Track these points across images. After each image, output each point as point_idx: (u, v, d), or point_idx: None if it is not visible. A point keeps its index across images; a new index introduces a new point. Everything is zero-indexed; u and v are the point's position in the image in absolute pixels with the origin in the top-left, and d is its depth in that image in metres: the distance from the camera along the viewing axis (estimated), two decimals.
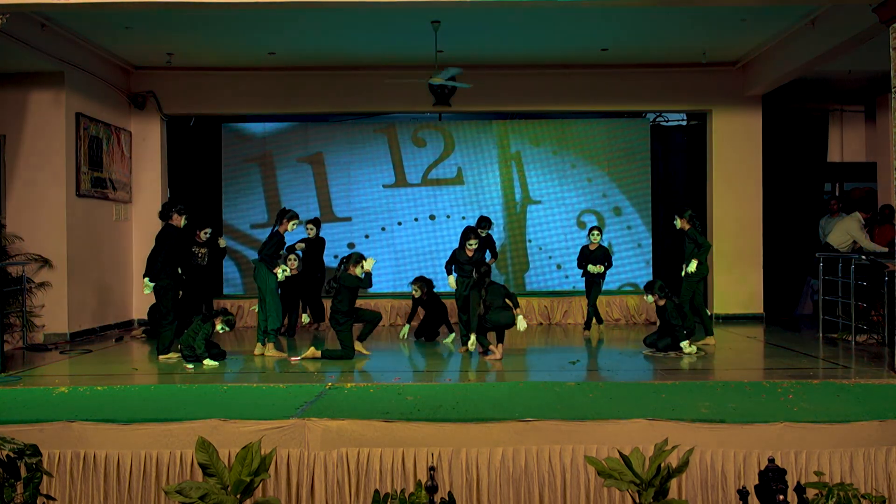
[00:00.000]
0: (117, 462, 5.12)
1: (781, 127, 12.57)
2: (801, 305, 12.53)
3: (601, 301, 11.12)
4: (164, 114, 11.91)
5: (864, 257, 9.06)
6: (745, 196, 11.87)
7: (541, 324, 11.73)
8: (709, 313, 10.15)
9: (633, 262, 12.67)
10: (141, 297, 11.23)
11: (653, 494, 3.89)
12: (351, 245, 12.47)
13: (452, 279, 9.14)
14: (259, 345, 8.72)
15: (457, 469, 5.03)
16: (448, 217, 12.58)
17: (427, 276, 10.24)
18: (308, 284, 10.78)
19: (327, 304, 9.97)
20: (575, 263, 10.92)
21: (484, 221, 9.83)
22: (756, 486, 4.06)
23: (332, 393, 6.10)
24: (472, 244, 8.97)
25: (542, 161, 12.69)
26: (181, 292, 9.16)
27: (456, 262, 9.15)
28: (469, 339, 8.88)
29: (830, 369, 7.62)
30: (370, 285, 8.56)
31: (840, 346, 8.94)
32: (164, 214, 8.72)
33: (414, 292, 9.97)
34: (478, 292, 8.30)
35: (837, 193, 12.97)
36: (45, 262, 9.80)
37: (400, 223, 12.56)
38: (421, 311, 10.21)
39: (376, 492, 4.33)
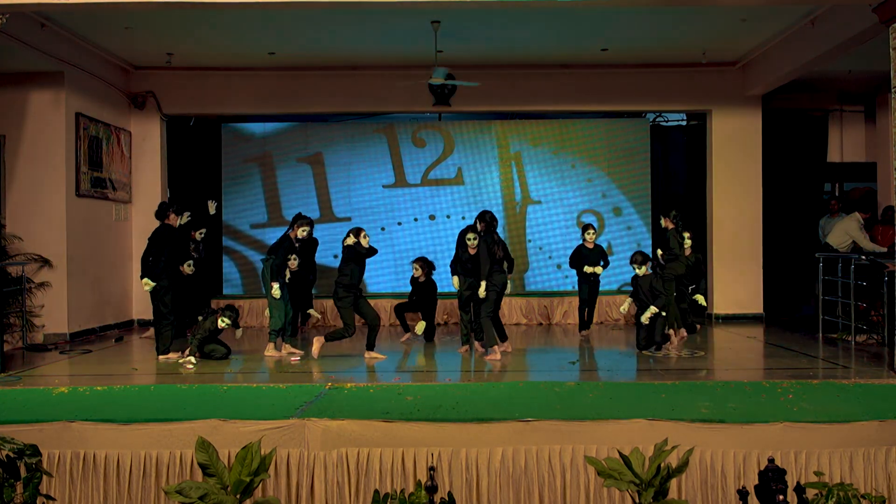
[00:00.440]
0: (117, 462, 5.12)
1: (781, 127, 12.57)
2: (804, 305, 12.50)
3: (600, 301, 11.11)
4: (164, 114, 11.91)
5: (863, 257, 9.06)
6: (745, 196, 11.87)
7: (540, 324, 11.73)
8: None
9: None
10: (141, 298, 11.23)
11: (653, 494, 3.89)
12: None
13: (457, 280, 8.92)
14: (271, 344, 8.77)
15: (456, 469, 5.03)
16: (448, 217, 12.58)
17: (436, 282, 10.14)
18: (299, 285, 10.72)
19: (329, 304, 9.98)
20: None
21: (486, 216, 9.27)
22: (756, 486, 4.06)
23: (332, 393, 6.10)
24: (472, 239, 8.80)
25: (542, 161, 12.69)
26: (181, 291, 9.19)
27: (459, 261, 9.01)
28: (468, 338, 8.89)
29: (830, 369, 7.62)
30: (376, 251, 8.61)
31: (840, 346, 8.94)
32: (161, 214, 8.72)
33: (414, 271, 9.92)
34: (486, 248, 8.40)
35: (837, 193, 12.97)
36: (45, 262, 9.80)
37: (400, 223, 12.56)
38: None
39: (376, 492, 4.33)
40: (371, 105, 12.10)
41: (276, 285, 8.57)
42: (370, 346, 8.51)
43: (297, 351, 8.68)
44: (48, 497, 4.56)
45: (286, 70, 11.77)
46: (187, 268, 9.55)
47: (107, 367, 8.31)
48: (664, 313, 8.50)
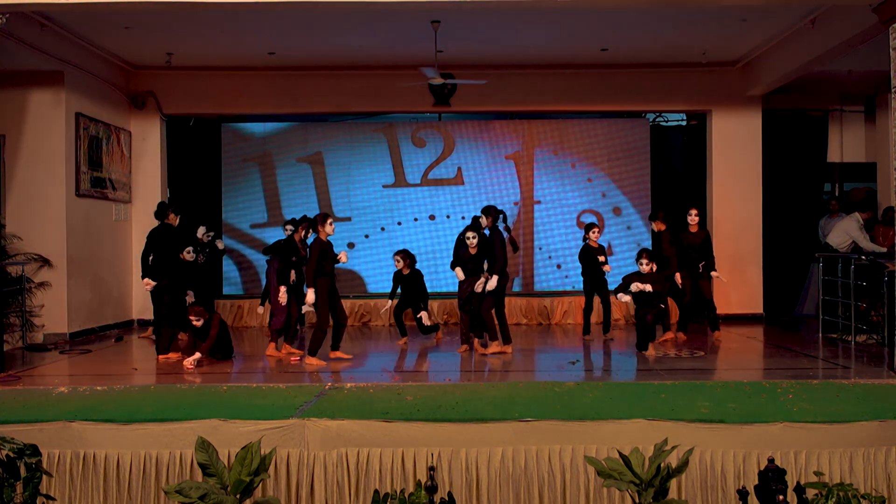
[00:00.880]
0: (117, 462, 5.12)
1: (781, 127, 12.56)
2: (802, 305, 12.49)
3: (596, 301, 11.08)
4: (164, 114, 11.91)
5: (863, 257, 9.06)
6: (745, 196, 11.87)
7: (540, 324, 11.73)
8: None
9: (632, 262, 12.59)
10: (141, 298, 11.24)
11: (652, 494, 3.89)
12: (351, 245, 12.46)
13: (460, 270, 8.74)
14: (272, 344, 8.78)
15: (456, 469, 5.03)
16: (448, 217, 12.57)
17: (422, 271, 9.95)
18: (298, 286, 10.70)
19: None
20: (576, 263, 10.79)
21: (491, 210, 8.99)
22: (756, 486, 4.06)
23: (332, 393, 6.10)
24: (471, 238, 8.77)
25: (542, 161, 12.68)
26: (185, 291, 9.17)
27: (460, 262, 8.90)
28: (468, 337, 8.89)
29: (830, 369, 7.62)
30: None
31: (840, 346, 8.94)
32: (161, 213, 8.72)
33: (396, 264, 9.71)
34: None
35: (837, 193, 12.97)
36: (45, 262, 9.80)
37: (400, 223, 12.55)
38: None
39: (376, 492, 4.33)
40: (371, 105, 12.10)
41: (283, 289, 8.54)
42: (335, 347, 8.36)
43: (296, 351, 8.67)
44: (48, 497, 4.57)
45: (286, 70, 11.77)
46: (187, 254, 9.37)
47: (107, 367, 8.31)
48: (663, 305, 8.53)
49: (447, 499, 4.16)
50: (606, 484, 4.01)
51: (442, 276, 11.84)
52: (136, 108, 11.73)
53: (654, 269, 8.69)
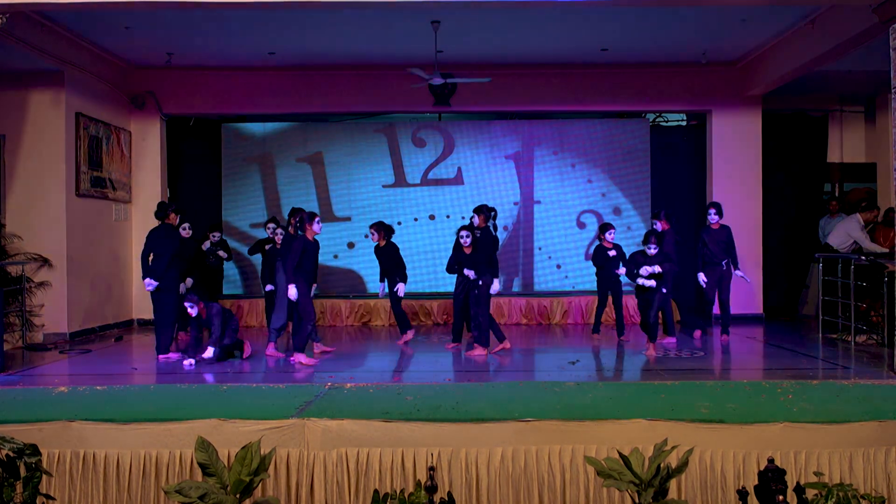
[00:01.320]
0: (117, 462, 5.11)
1: (781, 127, 12.56)
2: (802, 306, 12.50)
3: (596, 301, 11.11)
4: (164, 113, 11.91)
5: (863, 258, 9.06)
6: (745, 196, 11.86)
7: (540, 324, 11.73)
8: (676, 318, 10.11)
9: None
10: (141, 297, 11.23)
11: (652, 494, 3.89)
12: (351, 245, 12.46)
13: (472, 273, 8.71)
14: (271, 344, 8.80)
15: (456, 469, 5.03)
16: (448, 217, 12.57)
17: (397, 244, 9.62)
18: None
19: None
20: (576, 263, 10.82)
21: (483, 209, 9.07)
22: (756, 487, 4.06)
23: (332, 393, 6.09)
24: (464, 236, 8.79)
25: (542, 161, 12.68)
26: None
27: (458, 261, 8.95)
28: (460, 335, 8.96)
29: (830, 369, 7.62)
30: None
31: (840, 347, 8.94)
32: (162, 213, 8.71)
33: (371, 237, 9.51)
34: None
35: (837, 194, 12.97)
36: (45, 262, 9.80)
37: (400, 223, 12.55)
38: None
39: (376, 492, 4.33)
40: (371, 105, 12.11)
41: (292, 287, 8.51)
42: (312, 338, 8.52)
43: (280, 353, 8.67)
44: (48, 497, 4.56)
45: (286, 70, 11.78)
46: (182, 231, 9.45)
47: (107, 366, 8.31)
48: (664, 290, 8.50)
49: (447, 499, 4.16)
50: (606, 484, 4.00)
51: (441, 277, 11.83)
52: (136, 108, 11.73)
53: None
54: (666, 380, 6.76)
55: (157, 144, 11.89)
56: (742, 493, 4.10)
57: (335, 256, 12.08)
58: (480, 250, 8.65)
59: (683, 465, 4.00)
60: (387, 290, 9.48)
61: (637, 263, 8.53)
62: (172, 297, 8.54)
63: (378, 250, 9.50)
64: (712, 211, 9.61)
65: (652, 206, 12.57)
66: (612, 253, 9.61)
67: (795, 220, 12.55)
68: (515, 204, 12.66)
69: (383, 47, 10.68)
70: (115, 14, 8.96)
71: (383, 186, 12.65)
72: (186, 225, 9.72)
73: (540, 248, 12.66)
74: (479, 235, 8.69)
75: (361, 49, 10.78)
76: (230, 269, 12.59)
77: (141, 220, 11.55)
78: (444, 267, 9.17)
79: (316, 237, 8.37)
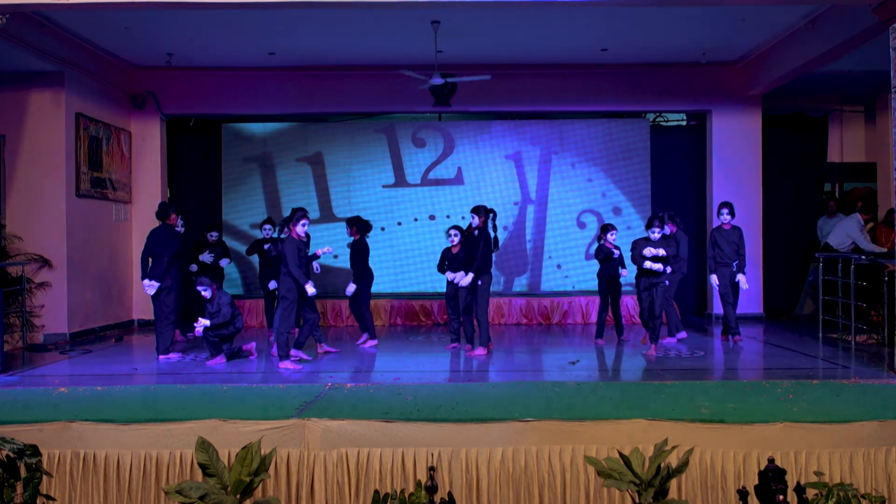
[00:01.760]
0: (117, 462, 5.12)
1: (781, 127, 12.56)
2: (801, 305, 12.49)
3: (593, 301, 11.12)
4: (164, 114, 11.91)
5: (863, 257, 9.06)
6: (745, 196, 11.86)
7: (540, 324, 11.73)
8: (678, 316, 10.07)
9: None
10: (141, 298, 11.24)
11: (652, 494, 3.89)
12: (351, 245, 12.44)
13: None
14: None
15: (456, 469, 5.03)
16: (448, 217, 12.56)
17: (368, 243, 9.58)
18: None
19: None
20: (576, 263, 10.80)
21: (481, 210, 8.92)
22: (756, 487, 4.06)
23: (332, 393, 6.10)
24: (452, 234, 8.88)
25: (541, 161, 12.68)
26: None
27: (445, 261, 9.06)
28: (457, 336, 8.96)
29: (830, 369, 7.62)
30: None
31: (840, 346, 8.94)
32: (163, 214, 8.71)
33: (348, 232, 9.51)
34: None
35: (837, 194, 12.96)
36: (45, 262, 9.80)
37: (400, 223, 12.55)
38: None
39: (376, 492, 4.32)
40: (371, 105, 12.11)
41: (310, 285, 8.45)
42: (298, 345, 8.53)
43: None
44: (48, 497, 4.56)
45: (286, 70, 11.78)
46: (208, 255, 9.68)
47: (107, 367, 8.31)
48: (667, 282, 8.47)
49: (447, 499, 4.16)
50: (606, 484, 4.00)
51: (441, 277, 11.81)
52: (136, 108, 11.73)
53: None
54: (666, 380, 6.76)
55: (157, 145, 11.89)
56: (742, 493, 4.10)
57: (335, 256, 12.06)
58: (467, 248, 8.66)
59: (684, 465, 4.00)
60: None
61: (640, 248, 8.45)
62: (173, 297, 8.54)
63: (349, 245, 9.54)
64: (725, 211, 9.36)
65: (652, 206, 12.57)
66: (616, 254, 9.48)
67: (795, 220, 12.54)
68: (515, 204, 12.66)
69: (383, 47, 10.68)
70: (116, 14, 8.96)
71: (383, 186, 12.65)
72: (179, 220, 9.72)
73: (540, 248, 12.65)
74: (475, 235, 8.69)
75: (361, 49, 10.78)
76: (230, 269, 12.59)
77: (141, 220, 11.55)
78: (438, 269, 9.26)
79: (304, 237, 8.29)
